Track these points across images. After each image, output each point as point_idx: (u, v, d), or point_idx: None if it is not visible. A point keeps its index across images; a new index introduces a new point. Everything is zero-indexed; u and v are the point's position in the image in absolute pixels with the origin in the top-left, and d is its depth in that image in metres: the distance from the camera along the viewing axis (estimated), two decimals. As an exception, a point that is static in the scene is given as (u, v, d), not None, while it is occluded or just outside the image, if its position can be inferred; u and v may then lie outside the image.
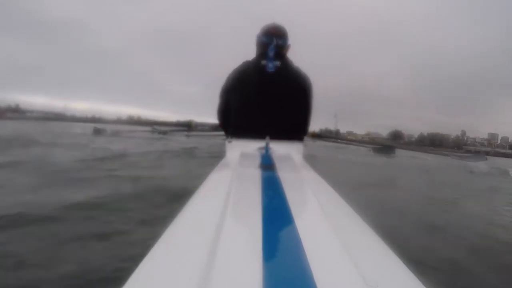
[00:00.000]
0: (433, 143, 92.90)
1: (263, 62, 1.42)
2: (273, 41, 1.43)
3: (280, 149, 1.28)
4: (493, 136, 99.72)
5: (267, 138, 1.20)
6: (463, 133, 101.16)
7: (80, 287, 1.14)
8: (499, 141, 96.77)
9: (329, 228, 0.47)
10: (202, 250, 0.39)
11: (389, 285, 0.38)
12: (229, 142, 1.49)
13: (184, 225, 0.54)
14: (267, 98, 1.45)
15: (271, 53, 1.40)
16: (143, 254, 0.41)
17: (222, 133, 1.73)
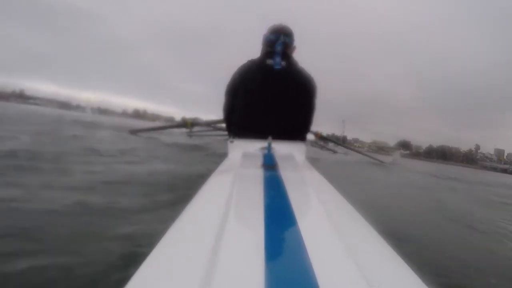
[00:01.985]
0: (444, 156, 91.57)
1: (268, 61, 1.44)
2: (281, 38, 1.46)
3: (282, 149, 1.29)
4: (499, 152, 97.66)
5: (269, 138, 1.21)
6: (477, 147, 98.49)
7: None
8: (505, 157, 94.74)
9: (331, 228, 0.48)
10: (204, 250, 0.40)
11: (392, 286, 0.39)
12: (231, 142, 1.50)
13: (186, 225, 0.54)
14: (270, 97, 1.46)
15: (278, 48, 1.43)
16: (146, 253, 0.42)
17: (224, 132, 1.75)
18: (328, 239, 0.45)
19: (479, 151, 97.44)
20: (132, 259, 0.81)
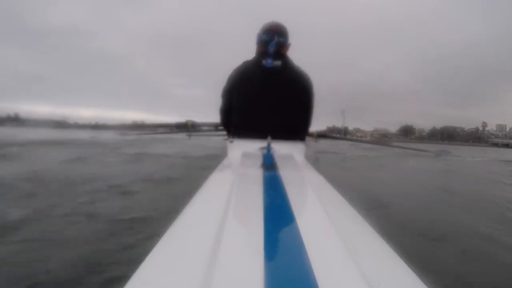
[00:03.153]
0: (450, 137, 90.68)
1: (264, 61, 1.44)
2: (274, 38, 1.46)
3: (282, 148, 1.29)
4: (501, 127, 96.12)
5: (269, 137, 1.22)
6: (484, 124, 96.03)
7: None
8: (507, 131, 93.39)
9: (331, 228, 0.48)
10: (203, 250, 0.40)
11: (392, 285, 0.39)
12: (231, 142, 1.51)
13: (185, 225, 0.55)
14: (268, 97, 1.47)
15: (271, 49, 1.43)
16: (145, 253, 0.42)
17: (224, 132, 1.76)
18: (327, 239, 0.45)
19: (486, 128, 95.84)
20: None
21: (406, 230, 2.12)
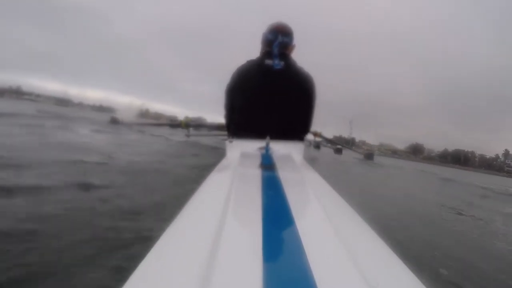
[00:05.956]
0: (466, 161, 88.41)
1: (267, 61, 1.47)
2: (278, 38, 1.49)
3: (280, 149, 1.31)
4: (506, 155, 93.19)
5: (267, 138, 1.23)
6: (507, 152, 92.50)
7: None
8: None
9: (329, 228, 0.49)
10: (202, 251, 0.41)
11: (390, 286, 0.40)
12: (230, 142, 1.53)
13: (184, 224, 0.56)
14: (269, 97, 1.48)
15: (275, 50, 1.46)
16: (144, 254, 0.43)
17: (223, 132, 1.78)
18: (326, 239, 0.46)
19: (500, 156, 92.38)
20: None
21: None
